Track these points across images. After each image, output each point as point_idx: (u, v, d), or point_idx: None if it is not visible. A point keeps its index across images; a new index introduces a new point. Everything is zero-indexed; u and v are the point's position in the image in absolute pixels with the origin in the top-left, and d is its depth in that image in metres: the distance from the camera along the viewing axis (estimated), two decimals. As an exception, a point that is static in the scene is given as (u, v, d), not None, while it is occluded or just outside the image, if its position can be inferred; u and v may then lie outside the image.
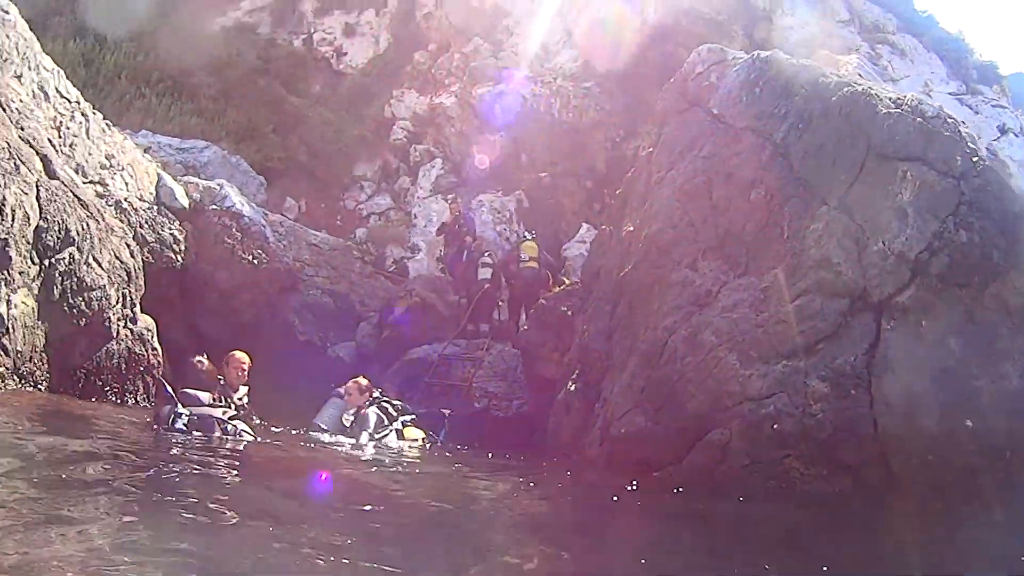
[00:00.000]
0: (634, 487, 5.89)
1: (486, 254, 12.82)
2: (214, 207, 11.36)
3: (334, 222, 16.34)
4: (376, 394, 8.46)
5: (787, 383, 5.55)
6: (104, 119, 9.22)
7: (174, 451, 5.55)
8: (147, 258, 9.62)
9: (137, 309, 8.30)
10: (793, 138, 6.26)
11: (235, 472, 5.27)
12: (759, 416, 5.57)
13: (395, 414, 8.41)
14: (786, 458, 5.47)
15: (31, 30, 8.44)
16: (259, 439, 6.61)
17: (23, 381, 6.39)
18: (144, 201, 9.93)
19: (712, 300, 6.28)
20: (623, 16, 15.30)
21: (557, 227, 14.34)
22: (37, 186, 6.68)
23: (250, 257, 11.52)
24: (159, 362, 8.70)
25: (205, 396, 6.45)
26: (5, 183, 6.21)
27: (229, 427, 6.28)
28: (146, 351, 8.27)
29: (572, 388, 8.31)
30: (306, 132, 15.86)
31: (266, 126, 15.47)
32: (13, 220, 6.22)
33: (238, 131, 15.26)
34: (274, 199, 15.24)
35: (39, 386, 6.61)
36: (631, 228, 7.99)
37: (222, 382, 8.19)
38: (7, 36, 7.59)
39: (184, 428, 5.99)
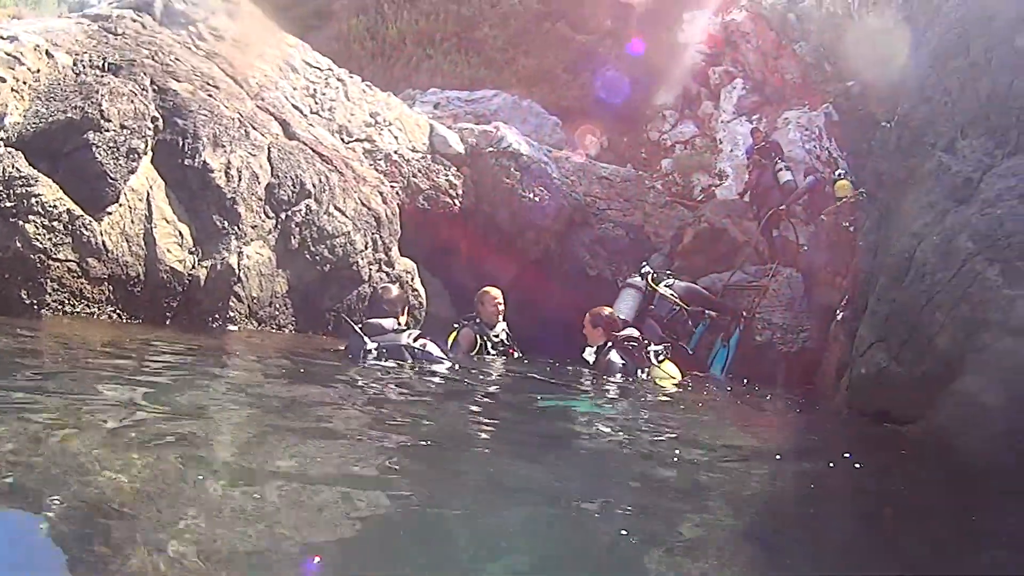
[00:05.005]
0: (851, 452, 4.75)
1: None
2: (491, 149, 11.69)
3: (638, 155, 16.05)
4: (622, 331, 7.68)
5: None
6: (363, 81, 9.92)
7: (362, 381, 5.68)
8: (423, 205, 10.27)
9: (394, 253, 8.89)
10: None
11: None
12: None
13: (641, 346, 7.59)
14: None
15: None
16: (457, 363, 6.68)
17: (263, 325, 7.20)
18: (416, 152, 10.53)
19: (972, 192, 4.83)
20: None
21: (871, 138, 12.66)
22: (268, 148, 7.44)
23: (531, 195, 11.69)
24: (420, 303, 9.25)
25: (389, 323, 6.37)
26: (231, 149, 7.02)
27: (418, 352, 6.25)
28: (405, 292, 8.83)
29: (839, 317, 7.19)
30: (598, 68, 15.71)
31: (557, 67, 15.58)
32: (240, 180, 7.01)
33: (529, 76, 15.54)
34: (573, 138, 15.35)
35: (284, 329, 7.41)
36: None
37: (478, 320, 8.47)
38: (240, 23, 8.49)
39: (376, 360, 6.09)
